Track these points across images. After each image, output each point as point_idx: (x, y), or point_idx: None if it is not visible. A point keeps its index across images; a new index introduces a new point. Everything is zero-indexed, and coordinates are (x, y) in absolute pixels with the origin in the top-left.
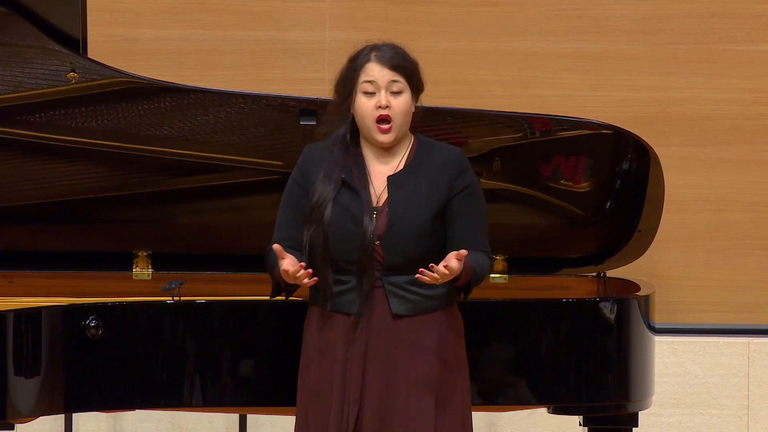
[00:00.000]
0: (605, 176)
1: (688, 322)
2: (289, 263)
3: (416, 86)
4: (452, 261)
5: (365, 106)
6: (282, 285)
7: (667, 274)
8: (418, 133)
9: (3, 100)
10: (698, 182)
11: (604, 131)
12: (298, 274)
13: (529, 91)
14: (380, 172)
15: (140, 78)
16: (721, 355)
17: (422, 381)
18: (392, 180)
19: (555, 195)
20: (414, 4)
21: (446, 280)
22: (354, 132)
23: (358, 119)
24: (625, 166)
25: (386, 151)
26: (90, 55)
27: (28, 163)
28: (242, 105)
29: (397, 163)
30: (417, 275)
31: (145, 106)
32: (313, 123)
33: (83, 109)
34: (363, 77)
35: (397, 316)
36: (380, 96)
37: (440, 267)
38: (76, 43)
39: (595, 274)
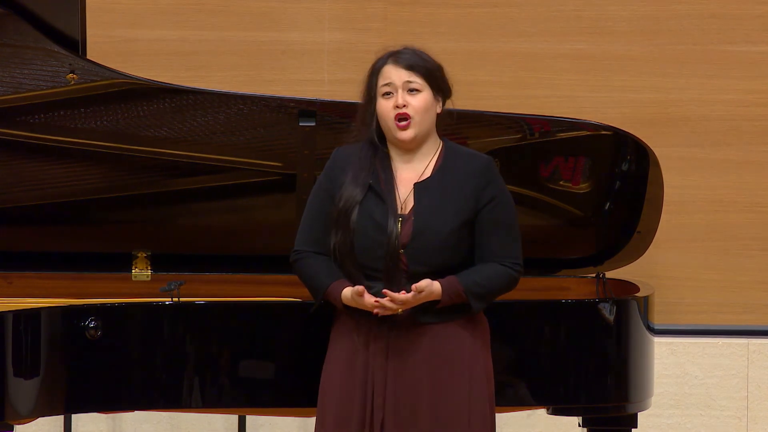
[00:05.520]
0: (604, 177)
1: (687, 323)
2: (371, 297)
3: (438, 86)
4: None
5: (384, 108)
6: (342, 308)
7: (666, 274)
8: (446, 139)
9: (2, 101)
10: (697, 183)
11: (603, 132)
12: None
13: (528, 92)
14: (407, 178)
15: (139, 79)
16: (720, 356)
17: (447, 392)
18: (419, 187)
19: (554, 196)
20: (413, 4)
21: (411, 305)
22: (381, 137)
23: (381, 122)
24: (624, 167)
25: (412, 155)
26: (89, 56)
27: (27, 164)
28: (241, 106)
29: (423, 169)
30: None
31: (145, 107)
32: (312, 124)
33: (82, 110)
34: (381, 81)
35: (421, 324)
36: (397, 96)
37: (398, 295)
38: (75, 44)
39: (594, 275)
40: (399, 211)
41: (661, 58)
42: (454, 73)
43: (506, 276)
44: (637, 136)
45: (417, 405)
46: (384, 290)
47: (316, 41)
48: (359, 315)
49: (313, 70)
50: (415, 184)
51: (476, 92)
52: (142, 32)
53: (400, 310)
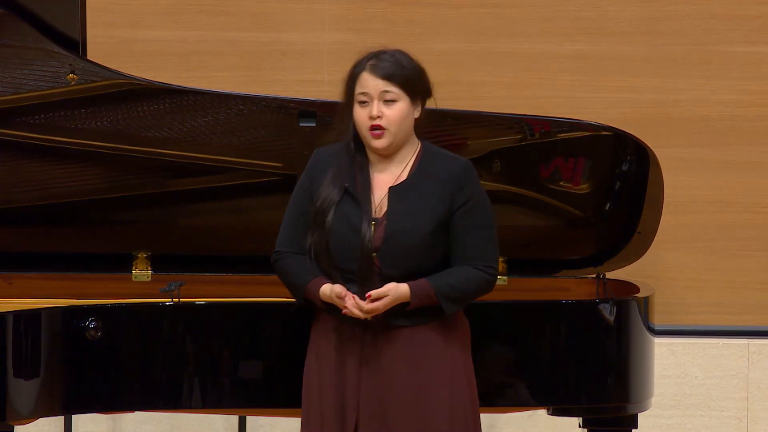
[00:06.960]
0: (604, 178)
1: (688, 323)
2: (348, 299)
3: (416, 92)
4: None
5: (359, 116)
6: (322, 305)
7: (667, 275)
8: (426, 141)
9: (2, 102)
10: (697, 183)
11: (604, 133)
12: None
13: (528, 92)
14: (383, 181)
15: (139, 79)
16: (720, 357)
17: (424, 396)
18: (393, 191)
19: (554, 196)
20: (413, 5)
21: (380, 312)
22: (359, 139)
23: (357, 128)
24: (625, 167)
25: (389, 158)
26: (89, 56)
27: (27, 165)
28: (241, 107)
29: (400, 172)
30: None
31: (145, 108)
32: (313, 124)
33: (83, 110)
34: (358, 88)
35: (394, 327)
36: (372, 106)
37: (360, 302)
38: (76, 45)
39: (594, 275)
40: (373, 215)
41: (661, 58)
42: (454, 73)
43: (479, 279)
44: (637, 136)
45: (390, 408)
46: (353, 295)
47: (316, 42)
48: (339, 313)
49: (313, 71)
50: (390, 188)
51: (476, 92)
52: (142, 32)
53: (369, 317)
